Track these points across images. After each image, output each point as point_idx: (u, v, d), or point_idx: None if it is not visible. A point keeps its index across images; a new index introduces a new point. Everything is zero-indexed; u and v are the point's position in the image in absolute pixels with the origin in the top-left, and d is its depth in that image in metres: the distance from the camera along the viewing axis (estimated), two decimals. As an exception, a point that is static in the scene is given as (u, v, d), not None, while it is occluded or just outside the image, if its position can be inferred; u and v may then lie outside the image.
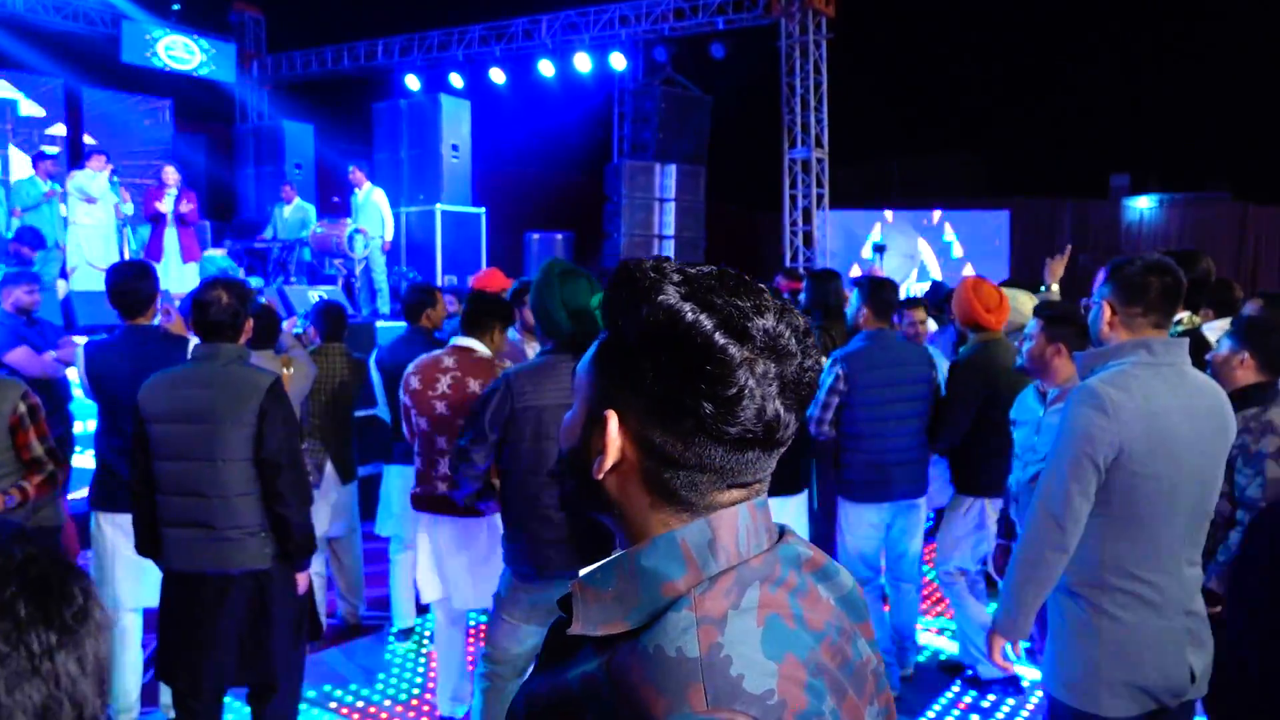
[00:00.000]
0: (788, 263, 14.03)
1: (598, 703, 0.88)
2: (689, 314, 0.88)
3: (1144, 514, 2.31)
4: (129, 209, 9.48)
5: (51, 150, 10.91)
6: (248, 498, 3.10)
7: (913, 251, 13.75)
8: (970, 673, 4.45)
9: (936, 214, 16.16)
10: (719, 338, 0.88)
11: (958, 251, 15.91)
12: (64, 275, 8.90)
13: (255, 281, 10.24)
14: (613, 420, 0.93)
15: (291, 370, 4.64)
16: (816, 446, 4.48)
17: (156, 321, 4.03)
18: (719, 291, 0.90)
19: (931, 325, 5.80)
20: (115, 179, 9.51)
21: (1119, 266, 2.42)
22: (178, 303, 8.31)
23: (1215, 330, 4.43)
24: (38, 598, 0.44)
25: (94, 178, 9.15)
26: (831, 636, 0.93)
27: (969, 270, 14.29)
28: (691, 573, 0.90)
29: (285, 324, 5.21)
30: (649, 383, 0.91)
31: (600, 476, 0.95)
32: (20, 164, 12.39)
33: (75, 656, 0.44)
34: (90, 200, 9.10)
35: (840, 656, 0.93)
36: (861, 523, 4.27)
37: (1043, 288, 5.22)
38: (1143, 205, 19.55)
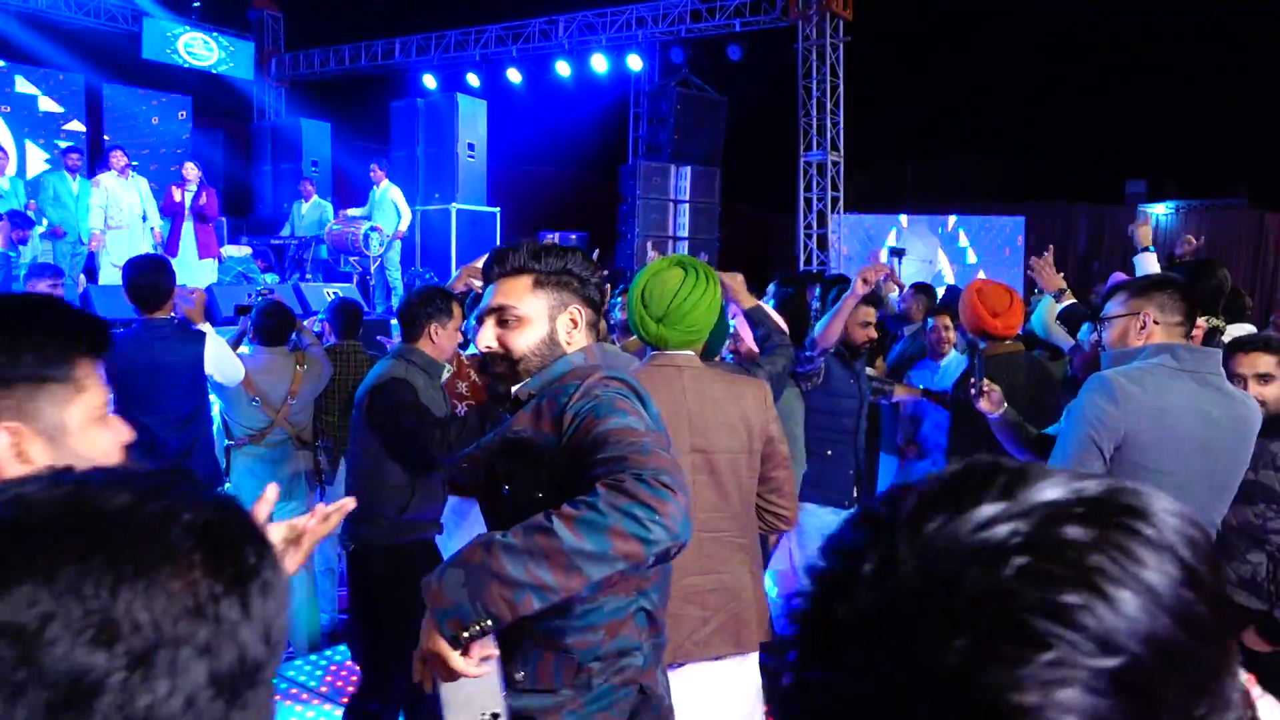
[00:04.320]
0: (801, 266, 14.02)
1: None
2: None
3: None
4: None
5: (71, 143, 10.99)
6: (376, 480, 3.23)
7: (930, 256, 13.69)
8: None
9: (951, 219, 16.12)
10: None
11: (972, 257, 15.86)
12: (86, 269, 8.99)
13: (271, 279, 10.29)
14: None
15: (306, 367, 4.67)
16: None
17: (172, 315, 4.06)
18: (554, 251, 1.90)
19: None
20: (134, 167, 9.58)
21: (1165, 283, 2.59)
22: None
23: (1227, 337, 4.40)
24: (213, 553, 0.52)
25: (115, 176, 9.22)
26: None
27: (983, 275, 14.24)
28: (577, 369, 1.80)
29: (305, 322, 5.23)
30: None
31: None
32: (37, 159, 12.50)
33: (239, 604, 0.51)
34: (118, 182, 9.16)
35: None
36: None
37: (1048, 297, 4.95)
38: (1159, 211, 19.45)
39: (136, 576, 0.48)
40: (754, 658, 2.56)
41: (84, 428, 1.14)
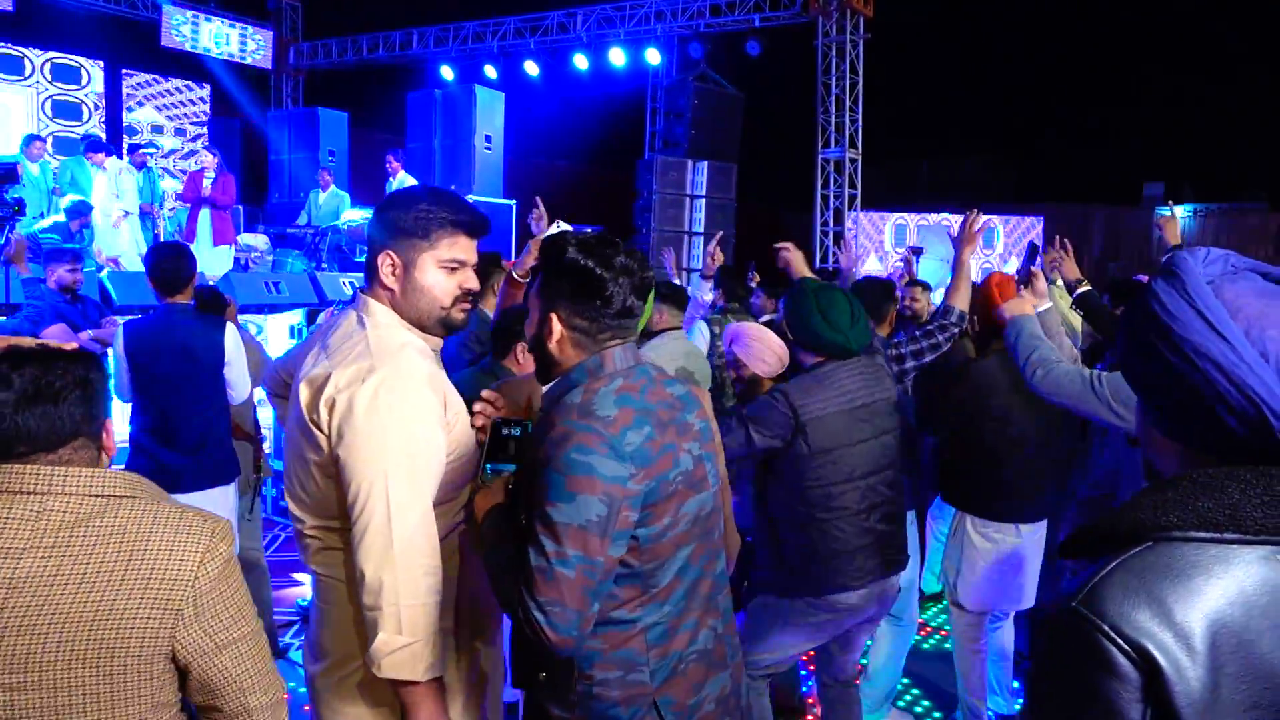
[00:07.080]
0: (817, 263, 13.97)
1: (540, 428, 1.72)
2: (582, 259, 1.72)
3: None
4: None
5: (93, 131, 11.01)
6: None
7: (948, 255, 13.64)
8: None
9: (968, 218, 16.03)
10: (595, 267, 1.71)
11: (991, 256, 15.77)
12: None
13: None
14: (554, 315, 1.76)
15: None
16: None
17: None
18: (596, 246, 1.73)
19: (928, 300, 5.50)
20: (152, 162, 9.59)
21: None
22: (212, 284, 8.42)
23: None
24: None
25: (122, 165, 9.25)
26: (663, 406, 1.77)
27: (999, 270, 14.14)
28: (591, 377, 1.74)
29: (322, 315, 5.23)
30: (567, 293, 1.74)
31: (550, 345, 1.78)
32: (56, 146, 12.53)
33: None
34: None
35: (668, 414, 1.77)
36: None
37: (1057, 282, 4.81)
38: (1177, 214, 19.33)
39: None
40: None
41: (423, 269, 1.84)
